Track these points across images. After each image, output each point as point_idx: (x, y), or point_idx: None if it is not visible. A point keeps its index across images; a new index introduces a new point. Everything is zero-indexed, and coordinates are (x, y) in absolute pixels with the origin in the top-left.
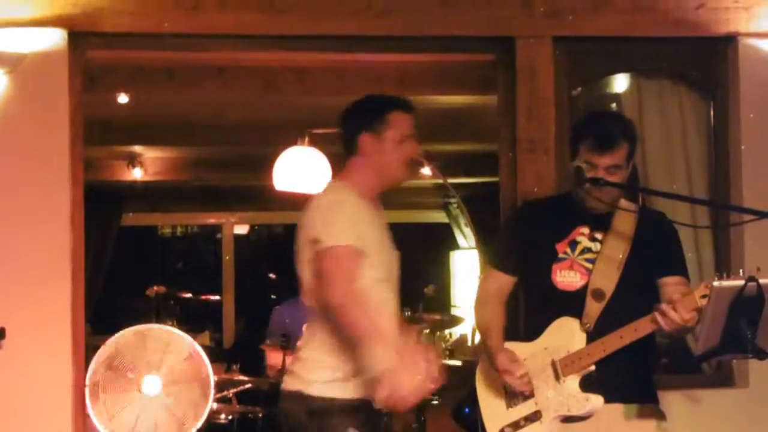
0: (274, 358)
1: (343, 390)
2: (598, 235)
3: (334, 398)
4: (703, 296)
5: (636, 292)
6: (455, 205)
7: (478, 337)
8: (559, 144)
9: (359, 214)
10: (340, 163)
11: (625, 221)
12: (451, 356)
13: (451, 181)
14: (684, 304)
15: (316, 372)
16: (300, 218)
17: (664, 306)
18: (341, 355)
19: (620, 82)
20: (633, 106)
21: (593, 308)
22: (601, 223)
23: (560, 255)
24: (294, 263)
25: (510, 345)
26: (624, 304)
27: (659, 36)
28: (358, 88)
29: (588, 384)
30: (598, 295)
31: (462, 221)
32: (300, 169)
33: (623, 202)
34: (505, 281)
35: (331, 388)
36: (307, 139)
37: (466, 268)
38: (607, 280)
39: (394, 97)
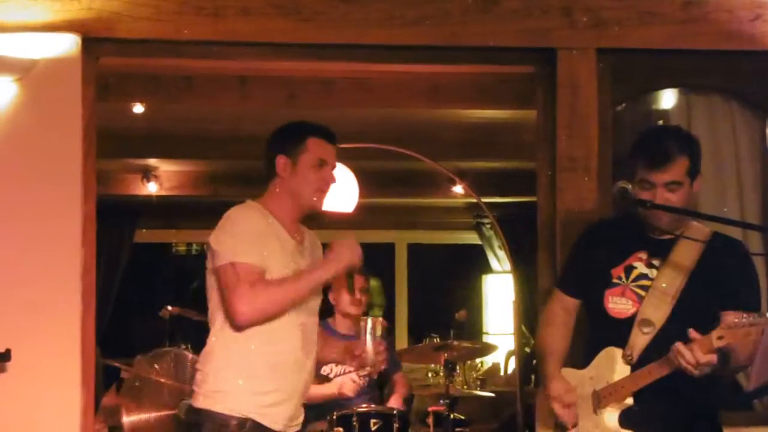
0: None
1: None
2: (656, 262)
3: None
4: (720, 337)
5: (688, 325)
6: (488, 226)
7: (511, 366)
8: (602, 163)
9: (264, 234)
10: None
11: (687, 249)
12: (482, 387)
13: (484, 200)
14: (700, 344)
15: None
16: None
17: (680, 345)
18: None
19: (668, 98)
20: (681, 123)
21: (639, 339)
22: (662, 249)
23: (614, 280)
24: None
25: (565, 372)
26: (674, 337)
27: (711, 49)
28: (387, 101)
29: (627, 418)
30: (646, 325)
31: (495, 243)
32: None
33: (693, 228)
34: (569, 303)
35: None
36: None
37: (499, 293)
38: (658, 310)
39: (318, 124)
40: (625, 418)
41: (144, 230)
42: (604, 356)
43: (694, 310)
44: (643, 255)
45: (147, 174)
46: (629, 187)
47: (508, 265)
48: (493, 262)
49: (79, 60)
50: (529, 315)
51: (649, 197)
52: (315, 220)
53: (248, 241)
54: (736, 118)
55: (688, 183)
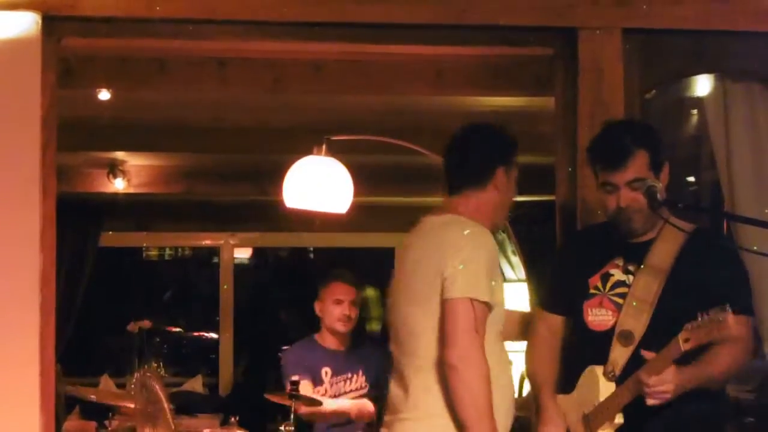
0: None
1: None
2: (632, 267)
3: None
4: (686, 340)
5: (670, 334)
6: (501, 229)
7: (526, 388)
8: None
9: (494, 262)
10: (446, 190)
11: (663, 250)
12: None
13: None
14: (651, 366)
15: None
16: (415, 242)
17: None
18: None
19: (702, 85)
20: (717, 112)
21: (620, 353)
22: (638, 253)
23: (591, 291)
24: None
25: (558, 399)
26: (656, 348)
27: (750, 30)
28: (385, 87)
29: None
30: (626, 337)
31: (509, 248)
32: (315, 183)
33: (674, 220)
34: (554, 322)
35: None
36: (324, 147)
37: (513, 304)
38: (637, 320)
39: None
40: None
41: (110, 233)
42: (586, 376)
43: (674, 317)
44: (620, 261)
45: (113, 169)
46: (659, 185)
47: (522, 273)
48: (506, 270)
49: (39, 41)
50: None
51: (615, 201)
52: (303, 223)
53: (485, 273)
54: None
55: (653, 177)
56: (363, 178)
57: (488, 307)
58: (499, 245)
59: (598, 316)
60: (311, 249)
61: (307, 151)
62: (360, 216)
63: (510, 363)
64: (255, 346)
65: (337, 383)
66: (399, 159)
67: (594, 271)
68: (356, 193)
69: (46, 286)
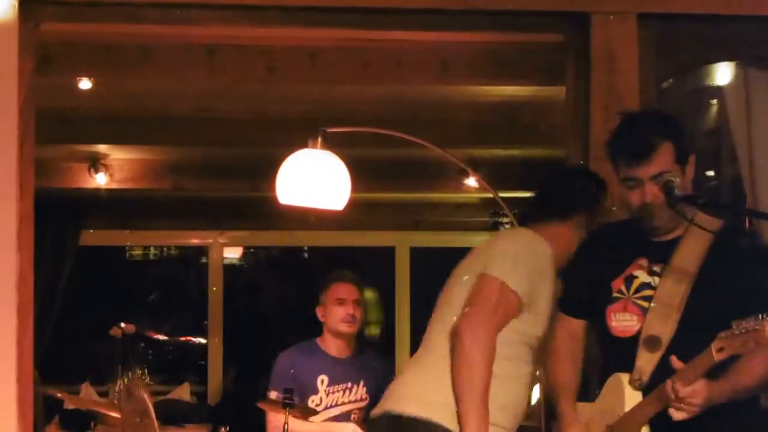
0: (275, 419)
1: None
2: (657, 268)
3: None
4: (720, 349)
5: (700, 340)
6: (508, 226)
7: (535, 398)
8: None
9: (544, 270)
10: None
11: (691, 249)
12: None
13: (502, 195)
14: (682, 375)
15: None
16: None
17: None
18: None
19: (722, 73)
20: (738, 102)
21: (646, 360)
22: (664, 252)
23: (615, 294)
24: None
25: (579, 407)
26: (685, 354)
27: None
28: (386, 76)
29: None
30: (653, 343)
31: None
32: (310, 178)
33: (701, 219)
34: (575, 326)
35: None
36: (320, 140)
37: None
38: (664, 325)
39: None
40: None
41: (92, 231)
42: (611, 385)
43: (703, 322)
44: (644, 262)
45: (95, 163)
46: (677, 180)
47: None
48: None
49: (16, 26)
50: None
51: (639, 197)
52: (298, 220)
53: (527, 271)
54: None
55: (679, 171)
56: (362, 172)
57: (518, 299)
58: None
59: (622, 322)
60: (305, 248)
61: (302, 144)
62: (358, 213)
63: (530, 374)
64: (246, 352)
65: (333, 393)
66: (400, 152)
67: (617, 273)
68: (354, 189)
69: (24, 288)
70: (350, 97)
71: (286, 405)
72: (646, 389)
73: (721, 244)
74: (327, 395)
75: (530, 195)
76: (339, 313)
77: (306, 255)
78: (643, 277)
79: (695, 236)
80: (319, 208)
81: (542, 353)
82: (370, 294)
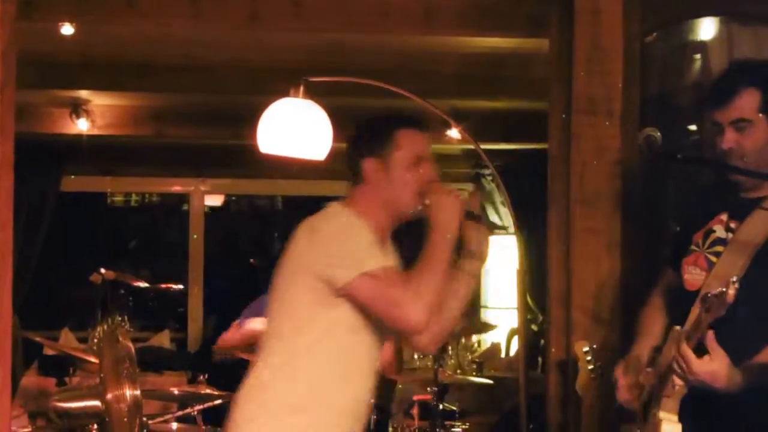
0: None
1: None
2: (734, 225)
3: None
4: (707, 310)
5: (749, 310)
6: (490, 178)
7: (514, 348)
8: (627, 105)
9: (371, 244)
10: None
11: (762, 218)
12: (479, 372)
13: (484, 147)
14: (688, 333)
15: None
16: (290, 242)
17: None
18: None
19: (706, 28)
20: (721, 57)
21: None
22: (743, 209)
23: (692, 246)
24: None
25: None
26: (731, 322)
27: None
28: (369, 25)
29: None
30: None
31: (497, 198)
32: (292, 127)
33: None
34: (671, 278)
35: None
36: (302, 89)
37: (501, 259)
38: (721, 286)
39: (403, 114)
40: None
41: (73, 177)
42: (669, 337)
43: (755, 293)
44: (724, 216)
45: (77, 108)
46: (657, 134)
47: (511, 225)
48: (495, 220)
49: None
50: (537, 285)
51: (719, 142)
52: (279, 169)
53: (367, 247)
54: None
55: (764, 123)
56: (343, 122)
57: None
58: (487, 195)
59: (692, 274)
60: (280, 198)
61: (284, 93)
62: (340, 163)
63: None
64: (226, 300)
65: None
66: (382, 103)
67: (701, 225)
68: (336, 139)
69: (3, 233)
70: (333, 46)
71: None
72: (694, 349)
73: None
74: None
75: (512, 147)
76: None
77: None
78: (719, 232)
79: None
80: (300, 158)
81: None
82: None
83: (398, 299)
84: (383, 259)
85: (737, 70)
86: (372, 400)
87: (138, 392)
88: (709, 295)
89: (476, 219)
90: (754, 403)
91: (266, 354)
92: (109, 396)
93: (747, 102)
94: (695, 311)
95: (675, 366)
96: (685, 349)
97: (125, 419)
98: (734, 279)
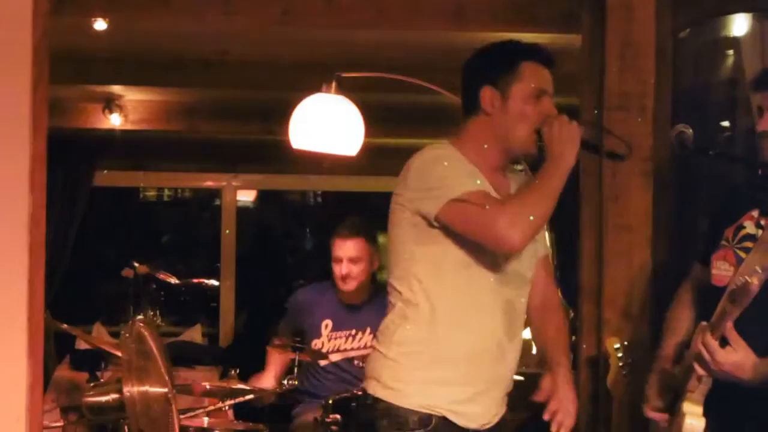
0: (276, 360)
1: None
2: (764, 222)
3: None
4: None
5: None
6: (521, 173)
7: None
8: (659, 101)
9: (466, 173)
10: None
11: None
12: None
13: None
14: (713, 325)
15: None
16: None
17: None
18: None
19: (739, 24)
20: (754, 53)
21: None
22: None
23: (722, 242)
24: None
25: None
26: (756, 319)
27: None
28: (401, 21)
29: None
30: (734, 298)
31: None
32: (324, 123)
33: None
34: (700, 274)
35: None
36: (334, 85)
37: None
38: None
39: (529, 44)
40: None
41: (105, 172)
42: (696, 333)
43: None
44: (756, 213)
45: (110, 104)
46: (689, 131)
47: None
48: None
49: None
50: (567, 279)
51: (759, 124)
52: (311, 165)
53: (458, 174)
54: None
55: None
56: (375, 118)
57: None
58: None
59: (721, 270)
60: (319, 193)
61: (317, 89)
62: (372, 158)
63: (495, 305)
64: (258, 295)
65: (335, 338)
66: (414, 98)
67: (732, 221)
68: (368, 134)
69: (36, 228)
70: (365, 42)
71: (296, 349)
72: (722, 345)
73: None
74: (329, 340)
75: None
76: (336, 271)
77: (319, 199)
78: (750, 228)
79: None
80: (332, 153)
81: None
82: (384, 239)
83: (491, 219)
84: (479, 186)
85: None
86: (517, 347)
87: (165, 389)
88: (734, 286)
89: (592, 149)
90: None
91: (390, 299)
92: (126, 391)
93: None
94: (722, 304)
95: (699, 357)
96: (709, 339)
97: (149, 415)
98: (759, 268)
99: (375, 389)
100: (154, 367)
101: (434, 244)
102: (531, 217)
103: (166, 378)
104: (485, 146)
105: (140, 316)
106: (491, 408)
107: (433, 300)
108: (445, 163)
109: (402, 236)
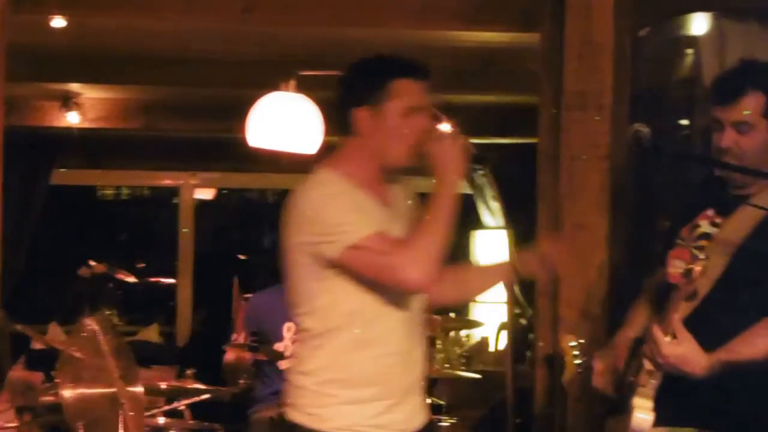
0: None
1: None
2: (719, 221)
3: None
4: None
5: (738, 299)
6: (481, 173)
7: (503, 342)
8: (618, 100)
9: (356, 208)
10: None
11: (747, 214)
12: (468, 366)
13: (476, 141)
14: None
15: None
16: (283, 216)
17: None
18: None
19: (698, 23)
20: (713, 52)
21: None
22: (729, 206)
23: (678, 240)
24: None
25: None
26: (718, 311)
27: None
28: (364, 19)
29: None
30: (690, 293)
31: (488, 193)
32: (282, 121)
33: None
34: (661, 275)
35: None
36: (293, 83)
37: (491, 253)
38: (704, 277)
39: (399, 59)
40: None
41: (63, 170)
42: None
43: (749, 280)
44: (710, 212)
45: (67, 101)
46: (646, 130)
47: (502, 220)
48: (486, 216)
49: None
50: (526, 280)
51: (718, 140)
52: (270, 163)
53: (350, 215)
54: None
55: (765, 127)
56: (335, 116)
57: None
58: (478, 190)
59: (676, 268)
60: (278, 191)
61: (275, 87)
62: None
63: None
64: (215, 294)
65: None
66: None
67: (688, 220)
68: (328, 133)
69: None
70: (326, 40)
71: (252, 349)
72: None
73: None
74: (292, 343)
75: (504, 142)
76: None
77: (278, 198)
78: (705, 227)
79: (764, 200)
80: (291, 152)
81: None
82: None
83: (391, 264)
84: (373, 223)
85: (745, 70)
86: (423, 352)
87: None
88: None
89: (480, 161)
90: (730, 390)
91: (298, 334)
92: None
93: (751, 104)
94: (670, 297)
95: (646, 349)
96: (655, 330)
97: (92, 415)
98: (701, 255)
99: (294, 416)
100: (103, 367)
101: (334, 277)
102: (432, 252)
103: (116, 378)
104: (365, 165)
105: (88, 316)
106: (413, 414)
107: (338, 328)
108: (334, 202)
109: (302, 275)
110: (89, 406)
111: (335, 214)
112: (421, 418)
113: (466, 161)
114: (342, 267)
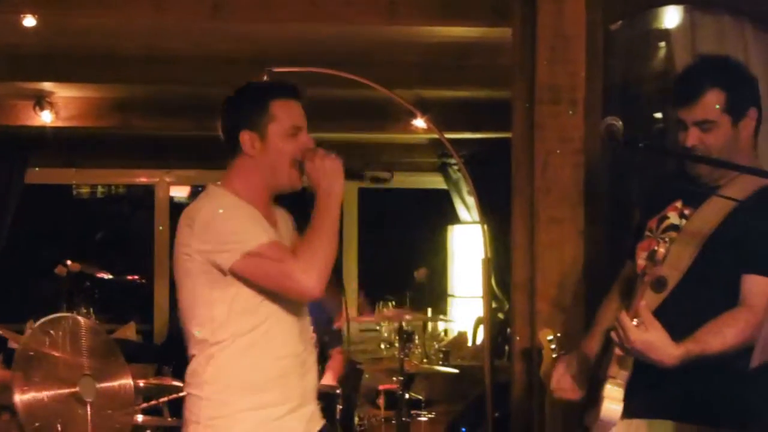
0: None
1: None
2: (688, 212)
3: None
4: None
5: (708, 290)
6: (455, 168)
7: (481, 337)
8: (590, 94)
9: (252, 220)
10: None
11: (716, 206)
12: (446, 360)
13: (450, 136)
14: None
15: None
16: (177, 232)
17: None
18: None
19: (670, 16)
20: (685, 45)
21: (650, 300)
22: (698, 198)
23: (646, 232)
24: None
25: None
26: (688, 302)
27: None
28: (334, 15)
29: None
30: (659, 284)
31: (464, 188)
32: None
33: (739, 182)
34: (629, 268)
35: None
36: (266, 80)
37: (466, 248)
38: (674, 268)
39: (277, 83)
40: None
41: (37, 169)
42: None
43: (717, 272)
44: (678, 204)
45: (40, 101)
46: (619, 123)
47: (477, 215)
48: (461, 211)
49: None
50: (503, 274)
51: (683, 139)
52: None
53: (246, 224)
54: (748, 39)
55: (728, 123)
56: (308, 113)
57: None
58: (453, 185)
59: (643, 259)
60: None
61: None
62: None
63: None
64: None
65: None
66: (348, 93)
67: (655, 212)
68: None
69: None
70: (298, 36)
71: None
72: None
73: (745, 207)
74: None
75: (477, 137)
76: None
77: None
78: (673, 218)
79: (732, 190)
80: None
81: None
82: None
83: (286, 272)
84: (266, 234)
85: (702, 68)
86: (315, 358)
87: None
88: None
89: (357, 177)
90: (704, 382)
91: (193, 345)
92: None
93: (711, 102)
94: (649, 293)
95: (614, 335)
96: (622, 316)
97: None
98: (667, 238)
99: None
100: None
101: (229, 286)
102: (322, 260)
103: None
104: (253, 185)
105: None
106: (310, 421)
107: (235, 335)
108: (230, 213)
109: (195, 285)
110: (44, 407)
111: (232, 224)
112: (317, 426)
113: (339, 176)
114: (238, 275)
